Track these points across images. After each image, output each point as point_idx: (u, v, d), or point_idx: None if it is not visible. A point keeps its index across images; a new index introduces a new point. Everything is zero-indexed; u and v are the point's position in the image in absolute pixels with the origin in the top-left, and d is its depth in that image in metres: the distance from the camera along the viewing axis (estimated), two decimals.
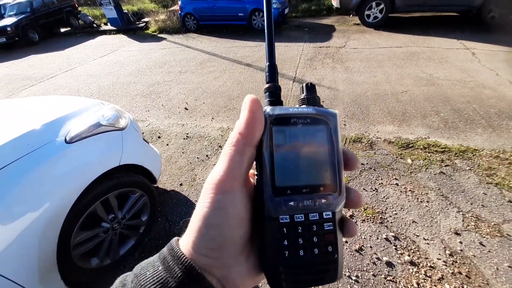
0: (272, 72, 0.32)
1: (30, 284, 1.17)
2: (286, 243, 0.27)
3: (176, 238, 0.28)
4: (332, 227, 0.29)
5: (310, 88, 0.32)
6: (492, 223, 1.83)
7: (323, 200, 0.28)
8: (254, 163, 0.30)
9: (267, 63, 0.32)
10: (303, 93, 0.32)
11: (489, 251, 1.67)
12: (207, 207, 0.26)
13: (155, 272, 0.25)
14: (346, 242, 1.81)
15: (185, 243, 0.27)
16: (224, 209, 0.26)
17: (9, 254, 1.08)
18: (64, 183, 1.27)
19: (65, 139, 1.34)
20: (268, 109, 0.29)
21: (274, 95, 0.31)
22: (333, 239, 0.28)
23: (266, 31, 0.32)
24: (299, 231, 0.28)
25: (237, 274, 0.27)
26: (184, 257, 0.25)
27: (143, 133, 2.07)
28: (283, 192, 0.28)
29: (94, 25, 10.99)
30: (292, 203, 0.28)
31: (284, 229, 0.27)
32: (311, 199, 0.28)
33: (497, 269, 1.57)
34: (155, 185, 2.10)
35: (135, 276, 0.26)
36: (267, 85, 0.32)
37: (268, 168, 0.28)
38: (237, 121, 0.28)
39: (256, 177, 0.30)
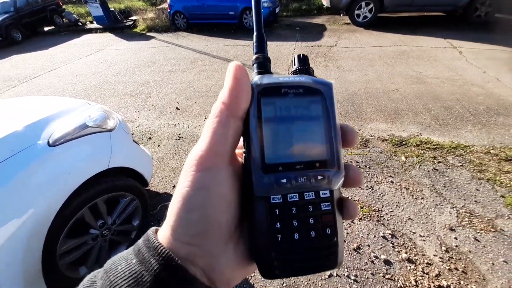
0: (261, 42, 0.28)
1: None
2: (278, 225, 0.24)
3: (154, 228, 0.25)
4: (330, 207, 0.26)
5: (303, 59, 0.29)
6: (486, 218, 1.86)
7: (319, 177, 0.25)
8: (242, 140, 0.26)
9: (255, 33, 0.28)
10: (294, 65, 0.29)
11: (484, 247, 1.69)
12: (187, 186, 0.23)
13: (127, 266, 0.22)
14: (344, 241, 1.80)
15: (164, 231, 0.24)
16: (206, 188, 0.23)
17: None
18: (47, 189, 1.18)
19: (48, 142, 1.25)
20: (255, 78, 0.26)
21: (263, 66, 0.28)
22: (331, 220, 0.26)
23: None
24: (293, 212, 0.25)
25: (225, 264, 0.24)
26: (161, 247, 0.22)
27: (133, 134, 1.98)
28: (274, 169, 0.25)
29: (79, 23, 10.64)
30: (284, 181, 0.24)
31: (276, 210, 0.25)
32: (306, 176, 0.25)
33: (493, 264, 1.59)
34: (146, 188, 2.02)
35: (105, 272, 0.22)
36: (255, 56, 0.28)
37: (257, 143, 0.25)
38: (221, 91, 0.25)
39: (244, 155, 0.27)
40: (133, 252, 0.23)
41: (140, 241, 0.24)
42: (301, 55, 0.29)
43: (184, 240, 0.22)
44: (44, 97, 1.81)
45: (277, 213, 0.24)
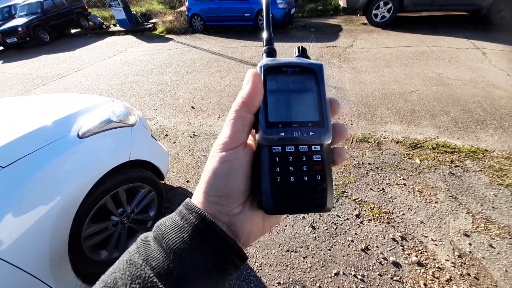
0: (269, 38, 0.36)
1: (41, 274, 1.19)
2: (278, 170, 0.30)
3: (189, 198, 0.32)
4: (320, 159, 0.31)
5: (302, 50, 0.37)
6: (502, 225, 1.80)
7: (311, 133, 0.31)
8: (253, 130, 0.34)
9: (265, 31, 0.36)
10: (295, 54, 0.37)
11: (498, 253, 1.64)
12: (216, 161, 0.30)
13: (173, 222, 0.29)
14: (352, 241, 1.81)
15: (196, 196, 0.31)
16: (229, 162, 0.30)
17: (21, 244, 1.10)
18: (76, 176, 1.30)
19: (78, 134, 1.38)
20: (264, 60, 0.33)
21: (270, 54, 0.35)
22: (321, 169, 0.31)
23: (264, 4, 0.35)
24: (290, 160, 0.31)
25: (243, 220, 0.31)
26: (197, 208, 0.29)
27: (151, 130, 2.10)
28: (275, 126, 0.31)
29: (104, 26, 11.19)
30: (282, 134, 0.31)
31: (276, 157, 0.31)
32: (300, 131, 0.31)
33: (506, 271, 1.54)
34: (162, 182, 2.13)
35: (156, 226, 0.30)
36: (264, 48, 0.36)
37: (263, 107, 0.31)
38: (240, 91, 0.32)
39: (256, 140, 0.33)
40: (175, 213, 0.30)
41: (180, 207, 0.31)
42: (301, 47, 0.37)
43: (213, 200, 0.30)
44: (73, 95, 1.96)
45: (277, 160, 0.31)
